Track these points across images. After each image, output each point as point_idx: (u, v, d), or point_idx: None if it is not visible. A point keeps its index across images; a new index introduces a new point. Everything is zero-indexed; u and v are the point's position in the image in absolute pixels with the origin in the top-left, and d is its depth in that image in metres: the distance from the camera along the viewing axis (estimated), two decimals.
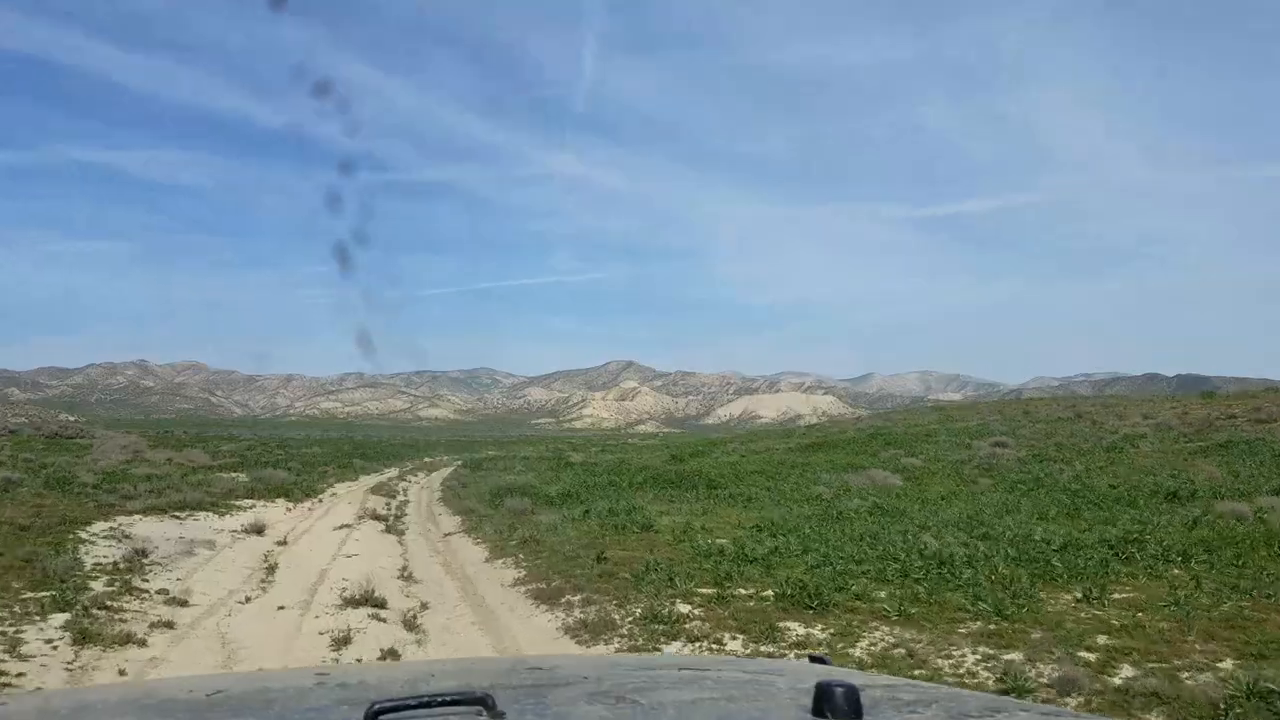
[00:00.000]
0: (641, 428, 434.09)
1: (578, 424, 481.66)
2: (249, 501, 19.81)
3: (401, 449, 63.18)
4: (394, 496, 24.89)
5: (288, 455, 38.90)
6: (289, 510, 19.76)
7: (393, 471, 37.34)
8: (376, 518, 18.87)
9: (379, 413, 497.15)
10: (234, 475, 25.17)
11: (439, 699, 1.22)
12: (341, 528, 16.99)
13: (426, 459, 51.11)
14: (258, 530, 15.39)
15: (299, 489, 23.45)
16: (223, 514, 17.43)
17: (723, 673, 1.72)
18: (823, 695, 1.24)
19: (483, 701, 1.21)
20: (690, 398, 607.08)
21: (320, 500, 22.51)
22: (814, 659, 1.87)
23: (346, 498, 23.62)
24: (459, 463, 44.25)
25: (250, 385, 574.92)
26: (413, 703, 1.20)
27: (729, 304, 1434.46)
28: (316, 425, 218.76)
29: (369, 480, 31.33)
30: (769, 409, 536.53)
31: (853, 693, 1.24)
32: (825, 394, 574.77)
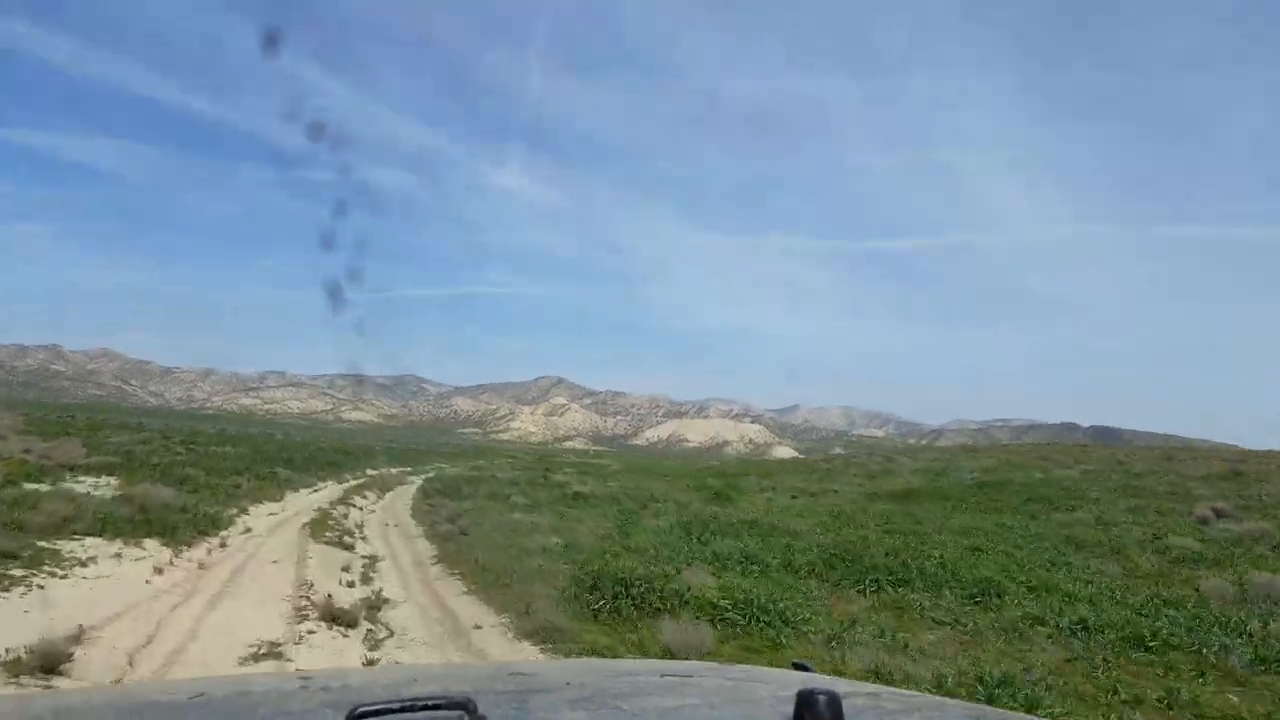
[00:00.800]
0: (570, 444, 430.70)
1: (503, 436, 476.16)
2: (91, 545, 11.13)
3: (335, 455, 53.58)
4: (350, 546, 15.35)
5: (192, 455, 29.06)
6: (158, 572, 10.62)
7: (332, 488, 27.98)
8: (332, 618, 9.46)
9: (300, 412, 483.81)
10: (101, 482, 17.65)
11: (421, 703, 1.21)
12: (257, 655, 7.98)
13: (369, 470, 42.31)
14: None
15: (192, 519, 14.49)
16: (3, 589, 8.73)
17: (705, 679, 1.68)
18: (805, 702, 1.25)
19: (464, 706, 1.22)
20: (620, 418, 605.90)
21: (224, 544, 13.68)
22: (797, 665, 1.86)
23: (270, 541, 14.82)
24: (417, 480, 36.90)
25: (167, 377, 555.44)
26: (395, 706, 1.20)
27: (661, 329, 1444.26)
28: (234, 421, 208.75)
29: (300, 501, 22.15)
30: (697, 434, 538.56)
31: (835, 700, 1.25)
32: (753, 423, 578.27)
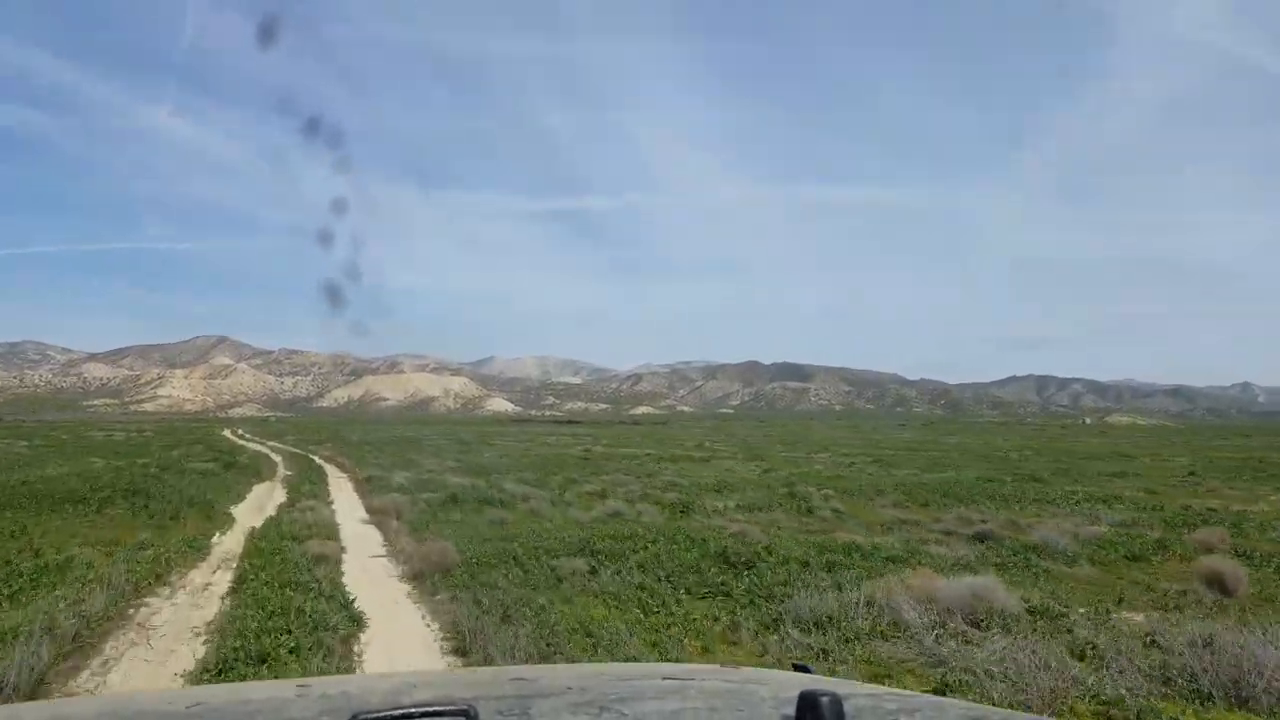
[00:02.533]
0: (239, 410, 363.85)
1: (149, 405, 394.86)
2: None
3: None
4: None
5: None
6: None
7: None
8: None
9: None
10: None
11: (421, 710, 1.21)
12: None
13: None
14: None
15: None
16: None
17: (706, 682, 1.68)
18: (806, 704, 1.26)
19: (465, 713, 1.21)
20: (299, 378, 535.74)
21: None
22: (797, 667, 1.86)
23: None
24: None
25: None
26: (395, 714, 1.20)
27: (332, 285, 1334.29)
28: None
29: None
30: (395, 391, 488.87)
31: (836, 702, 1.25)
32: (455, 375, 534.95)
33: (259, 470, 34.69)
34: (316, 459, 44.85)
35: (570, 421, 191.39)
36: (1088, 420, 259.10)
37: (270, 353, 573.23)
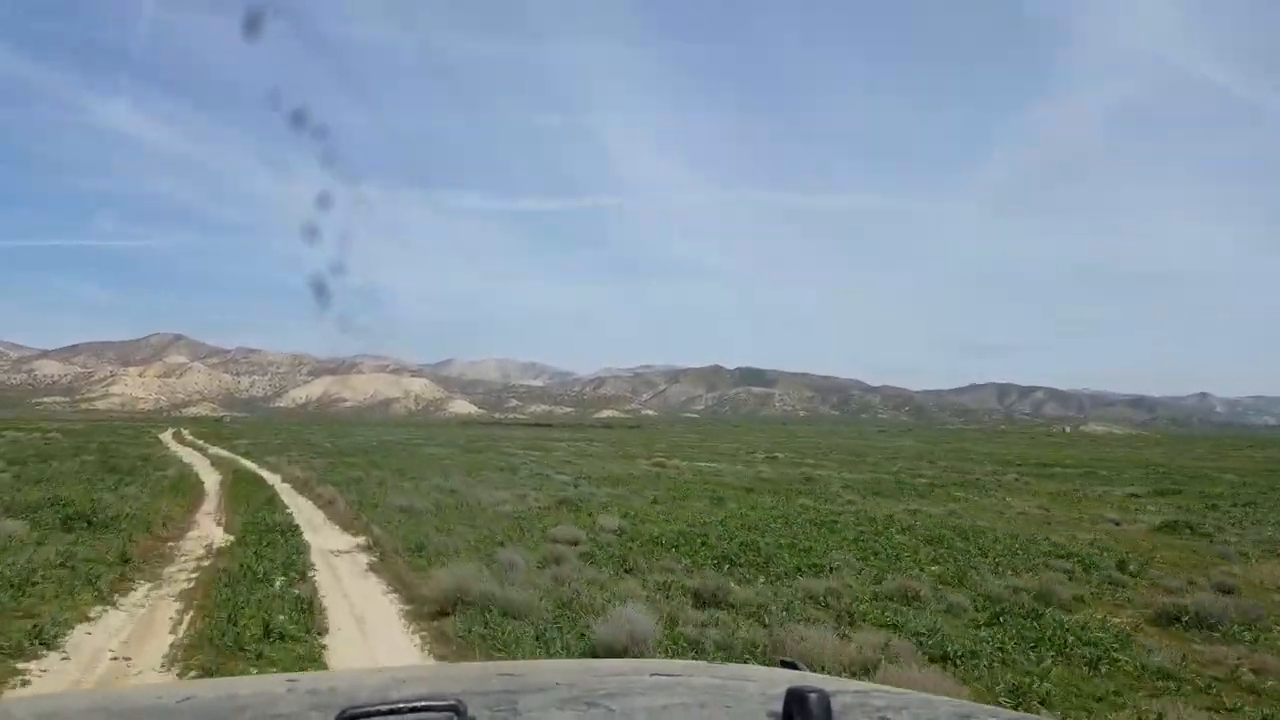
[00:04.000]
0: (194, 410, 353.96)
1: (101, 404, 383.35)
2: None
3: None
4: None
5: None
6: None
7: None
8: None
9: None
10: None
11: (409, 705, 1.20)
12: None
13: None
14: None
15: None
16: None
17: (694, 678, 1.68)
18: (794, 700, 1.25)
19: (454, 708, 1.20)
20: (256, 377, 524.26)
21: None
22: (785, 664, 1.85)
23: None
24: None
25: None
26: (383, 709, 1.19)
27: (292, 286, 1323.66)
28: None
29: None
30: (354, 391, 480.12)
31: (823, 698, 1.25)
32: (415, 377, 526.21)
33: (158, 526, 14.96)
34: (279, 482, 25.45)
35: (541, 425, 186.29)
36: (1067, 429, 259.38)
37: (227, 352, 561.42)
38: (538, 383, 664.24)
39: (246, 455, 40.81)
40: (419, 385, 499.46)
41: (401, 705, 1.18)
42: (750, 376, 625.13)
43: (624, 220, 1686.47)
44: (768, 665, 2.00)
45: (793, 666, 1.82)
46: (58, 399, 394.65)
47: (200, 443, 55.73)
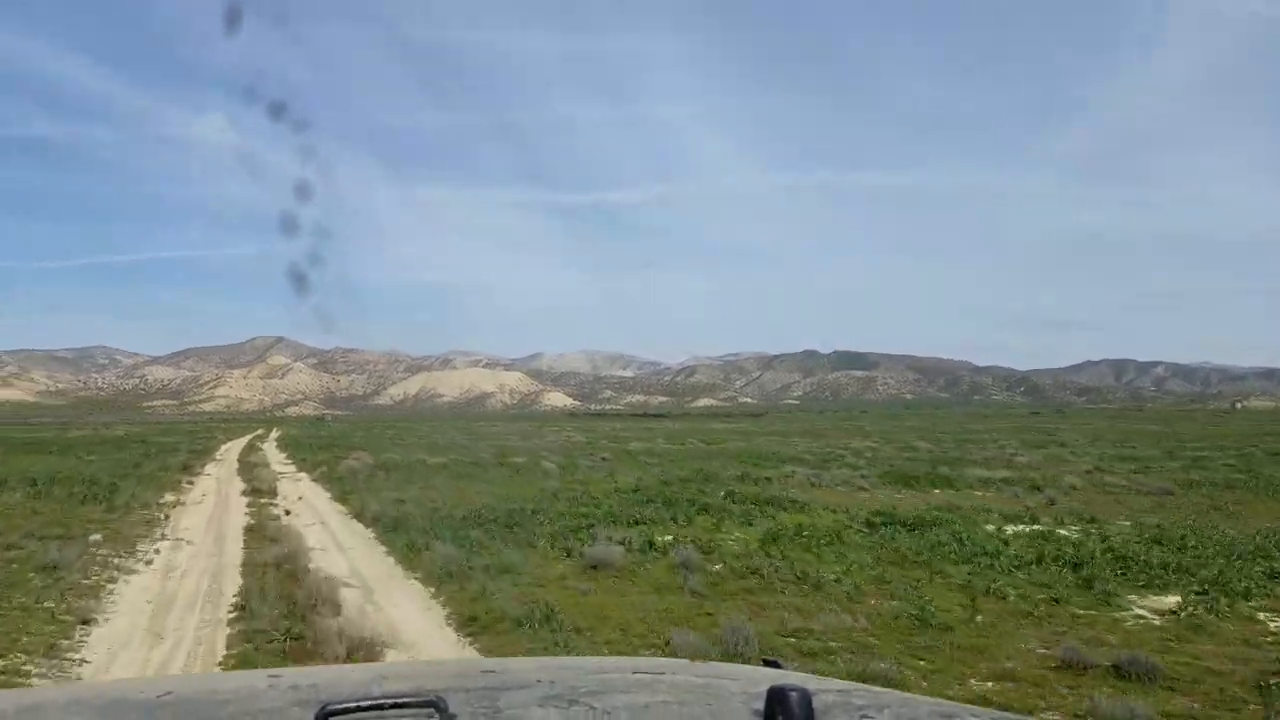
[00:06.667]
0: (295, 409, 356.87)
1: (207, 405, 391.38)
2: None
3: None
4: None
5: None
6: None
7: None
8: None
9: None
10: None
11: (390, 701, 1.21)
12: None
13: None
14: None
15: None
16: None
17: (676, 676, 1.68)
18: (775, 699, 1.25)
19: (434, 704, 1.21)
20: (355, 376, 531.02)
21: None
22: (767, 662, 1.84)
23: None
24: None
25: None
26: (365, 704, 1.20)
27: (386, 285, 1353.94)
28: None
29: None
30: (450, 387, 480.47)
31: (805, 697, 1.26)
32: (507, 371, 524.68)
33: None
34: None
35: (652, 416, 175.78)
36: (1238, 405, 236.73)
37: (326, 352, 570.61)
38: (627, 373, 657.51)
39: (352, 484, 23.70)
40: (513, 379, 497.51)
41: (384, 701, 1.19)
42: (849, 360, 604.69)
43: (699, 208, 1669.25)
44: (750, 664, 1.96)
45: (775, 665, 1.78)
46: (166, 402, 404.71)
47: (271, 462, 35.27)
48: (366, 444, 47.58)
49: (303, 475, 28.95)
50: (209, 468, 32.36)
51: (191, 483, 25.88)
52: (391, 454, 38.18)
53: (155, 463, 33.47)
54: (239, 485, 24.82)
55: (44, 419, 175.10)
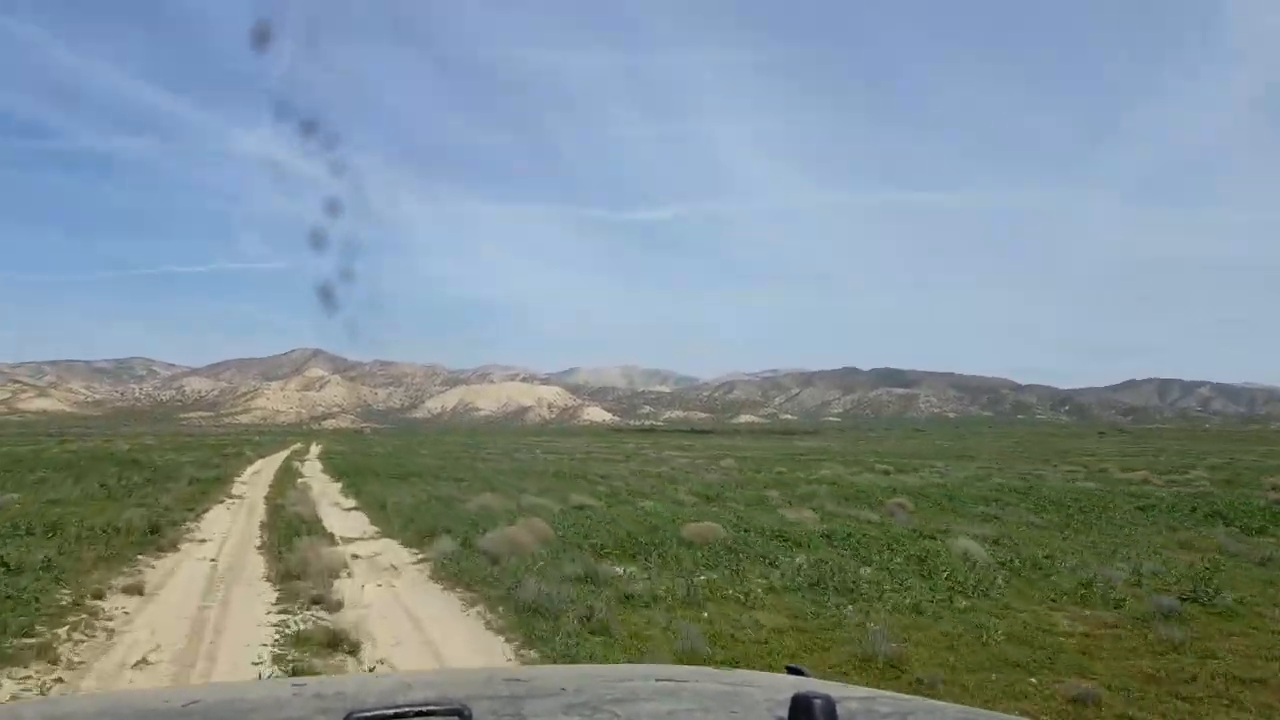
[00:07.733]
0: (331, 422, 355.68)
1: (244, 418, 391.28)
2: None
3: None
4: None
5: None
6: None
7: None
8: None
9: None
10: None
11: (415, 710, 1.21)
12: None
13: None
14: None
15: None
16: None
17: (700, 684, 1.69)
18: (800, 707, 1.26)
19: (459, 712, 1.21)
20: (392, 389, 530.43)
21: None
22: (791, 670, 1.85)
23: None
24: None
25: None
26: (389, 713, 1.21)
27: (424, 298, 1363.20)
28: None
29: None
30: (488, 401, 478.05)
31: (829, 704, 1.26)
32: (545, 385, 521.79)
33: None
34: None
35: (698, 432, 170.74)
36: None
37: (363, 364, 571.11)
38: (664, 388, 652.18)
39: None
40: (551, 393, 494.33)
41: (407, 709, 1.19)
42: (889, 377, 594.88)
43: (738, 225, 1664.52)
44: (773, 671, 1.98)
45: (798, 672, 1.79)
46: (203, 414, 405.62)
47: (323, 509, 18.99)
48: (449, 468, 35.20)
49: (403, 556, 12.86)
50: (211, 517, 17.51)
51: (138, 589, 10.03)
52: (551, 494, 21.95)
53: (106, 509, 17.22)
54: (260, 598, 9.77)
55: (51, 429, 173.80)
